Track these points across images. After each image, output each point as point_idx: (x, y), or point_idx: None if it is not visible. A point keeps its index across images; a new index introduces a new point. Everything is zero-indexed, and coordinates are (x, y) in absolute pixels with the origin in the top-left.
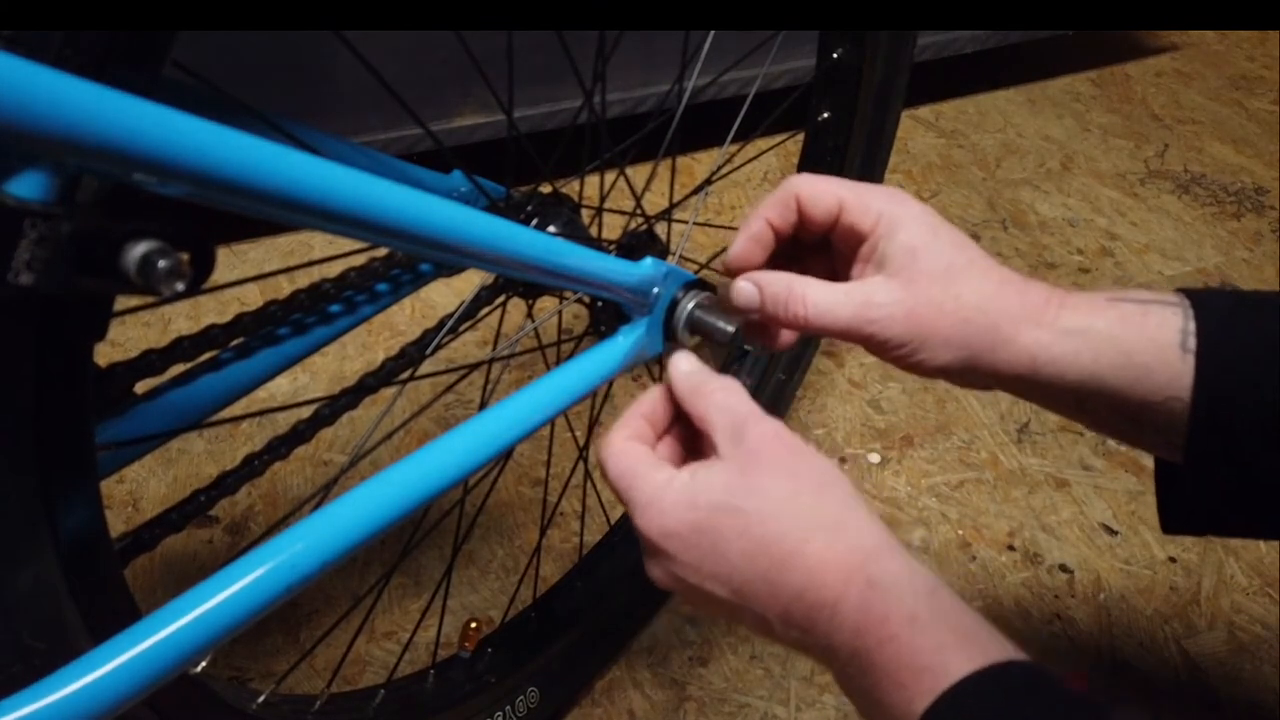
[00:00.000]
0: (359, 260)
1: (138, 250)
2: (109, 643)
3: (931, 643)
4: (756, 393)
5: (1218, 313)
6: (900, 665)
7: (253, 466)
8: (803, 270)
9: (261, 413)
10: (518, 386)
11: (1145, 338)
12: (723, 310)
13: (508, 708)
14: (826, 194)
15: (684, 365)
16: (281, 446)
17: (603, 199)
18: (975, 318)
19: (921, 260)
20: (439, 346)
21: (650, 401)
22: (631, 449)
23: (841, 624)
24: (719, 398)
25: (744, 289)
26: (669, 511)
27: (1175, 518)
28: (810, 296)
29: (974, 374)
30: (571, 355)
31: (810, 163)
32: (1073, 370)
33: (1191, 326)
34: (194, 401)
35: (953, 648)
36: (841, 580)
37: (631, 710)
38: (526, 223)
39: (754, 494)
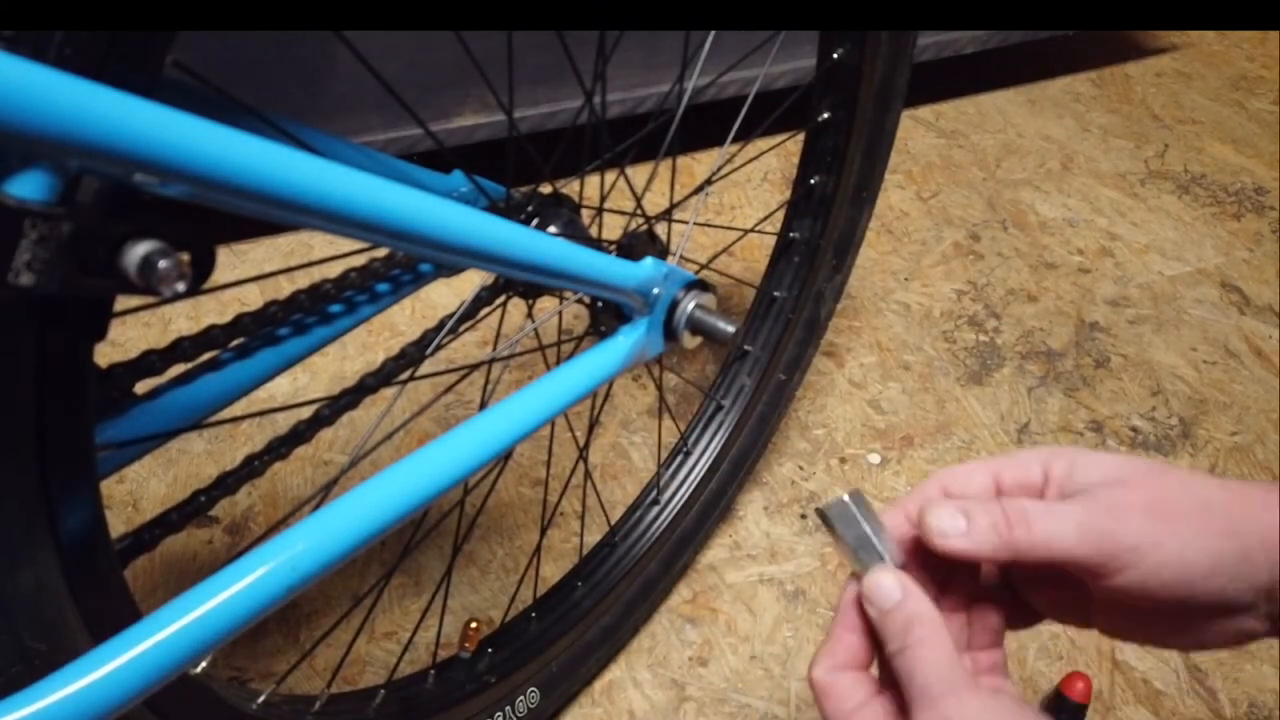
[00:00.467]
0: (359, 260)
1: (138, 251)
2: (109, 643)
3: None
4: (756, 393)
5: None
6: None
7: (253, 467)
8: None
9: (262, 413)
10: (518, 387)
11: None
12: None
13: (508, 708)
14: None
15: (882, 593)
16: (282, 447)
17: (603, 199)
18: (1216, 496)
19: (1126, 472)
20: (439, 347)
21: (858, 614)
22: (836, 690)
23: None
24: (919, 654)
25: (945, 513)
26: None
27: None
28: (1028, 511)
29: (1238, 583)
30: (571, 355)
31: (810, 163)
32: None
33: None
34: (194, 402)
35: None
36: None
37: (631, 710)
38: (527, 223)
39: None
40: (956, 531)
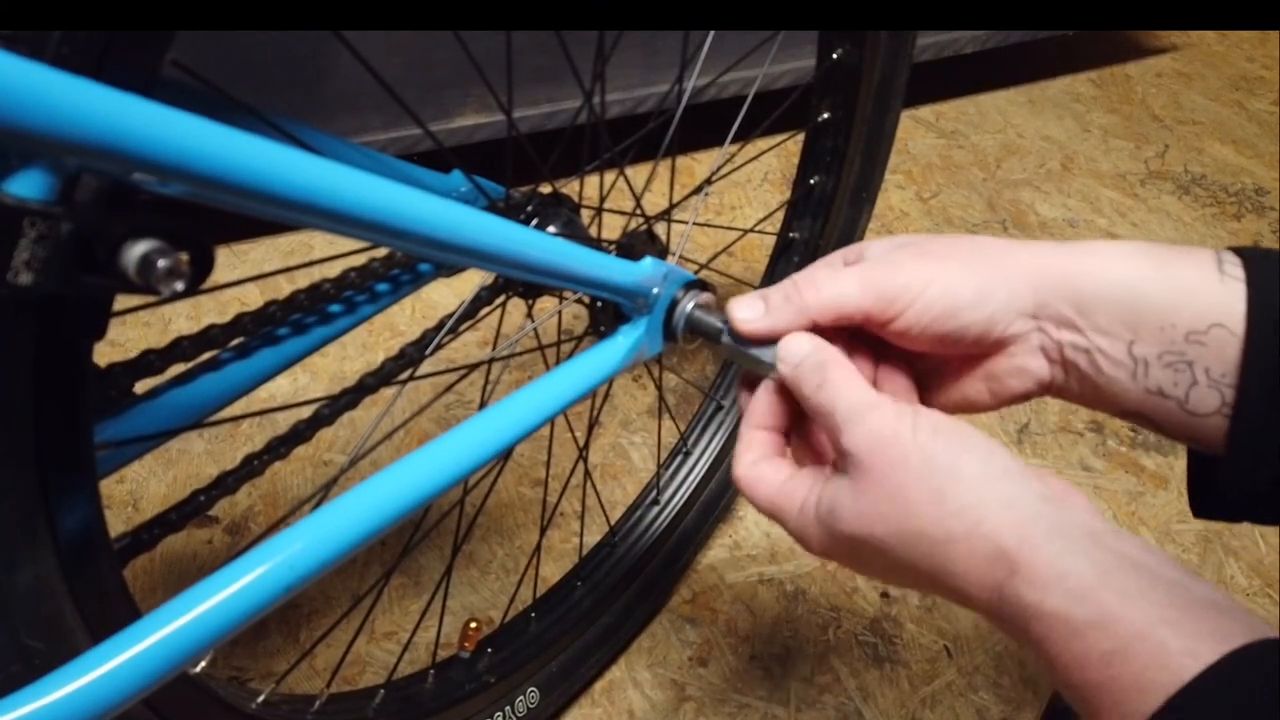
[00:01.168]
0: (359, 260)
1: (137, 250)
2: (108, 642)
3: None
4: None
5: (1259, 254)
6: (1072, 683)
7: (252, 466)
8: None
9: (261, 413)
10: (517, 386)
11: (1180, 256)
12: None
13: (507, 708)
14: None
15: (796, 346)
16: (281, 446)
17: (602, 199)
18: (989, 242)
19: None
20: (439, 346)
21: (763, 409)
22: (761, 478)
23: (1011, 623)
24: (837, 384)
25: (745, 301)
26: (815, 541)
27: (1211, 496)
28: (816, 278)
29: (1016, 331)
30: (571, 355)
31: (810, 163)
32: (1113, 282)
33: (1228, 257)
34: (194, 401)
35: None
36: (993, 595)
37: (631, 710)
38: (526, 223)
39: (876, 523)
40: (756, 314)
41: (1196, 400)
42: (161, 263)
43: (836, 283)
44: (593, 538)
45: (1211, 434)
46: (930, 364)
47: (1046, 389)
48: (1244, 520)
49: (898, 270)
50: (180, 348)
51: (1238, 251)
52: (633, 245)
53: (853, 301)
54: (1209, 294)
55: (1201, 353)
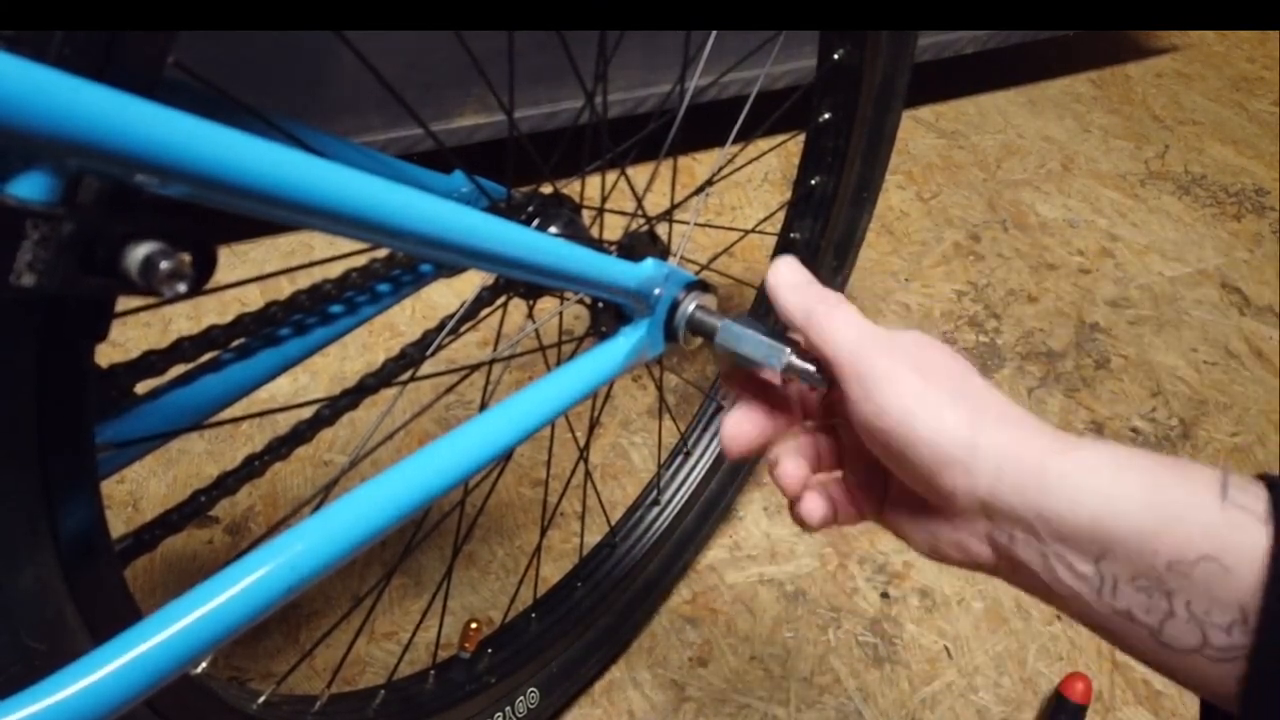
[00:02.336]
0: (360, 261)
1: (139, 251)
2: (109, 644)
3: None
4: None
5: None
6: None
7: (253, 467)
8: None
9: (262, 413)
10: (518, 387)
11: (1178, 476)
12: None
13: (507, 708)
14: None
15: (786, 269)
16: (282, 447)
17: (604, 199)
18: (987, 397)
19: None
20: (440, 347)
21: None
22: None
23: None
24: (837, 315)
25: (789, 263)
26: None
27: None
28: (840, 306)
29: (971, 470)
30: (572, 356)
31: (811, 164)
32: (1090, 497)
33: (1230, 479)
34: (194, 402)
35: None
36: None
37: (631, 711)
38: (527, 223)
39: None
40: (794, 280)
41: (1171, 634)
42: (163, 264)
43: (847, 322)
44: (593, 538)
45: (1186, 673)
46: (894, 481)
47: (992, 572)
48: None
49: (886, 363)
50: (181, 348)
51: (1266, 480)
52: (634, 246)
53: (840, 352)
54: (1201, 520)
55: (1184, 585)
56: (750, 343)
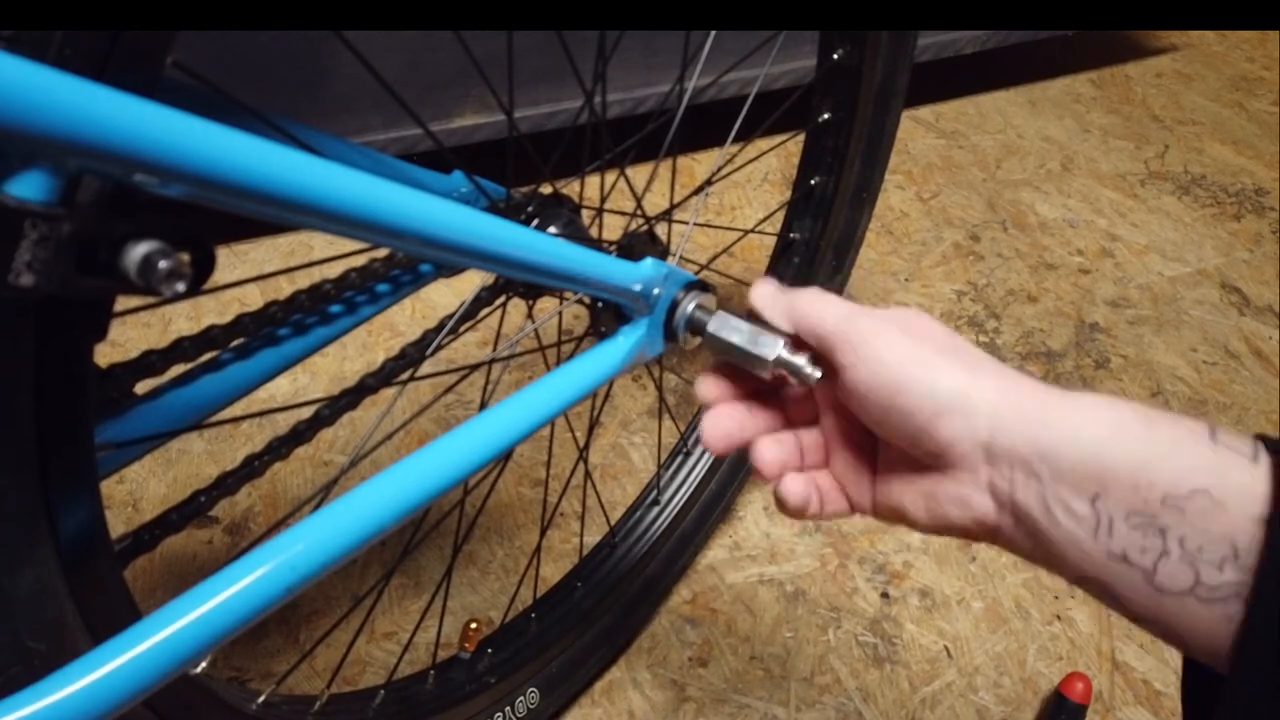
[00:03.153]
0: (359, 261)
1: (138, 251)
2: (109, 644)
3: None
4: None
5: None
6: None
7: (253, 467)
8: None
9: (262, 413)
10: (518, 387)
11: (1170, 420)
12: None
13: (507, 708)
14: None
15: (764, 292)
16: (282, 447)
17: (603, 199)
18: (978, 355)
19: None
20: (439, 347)
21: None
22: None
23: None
24: (818, 300)
25: (763, 285)
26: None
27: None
28: (809, 292)
29: (971, 417)
30: (572, 356)
31: (810, 164)
32: (1090, 428)
33: (1220, 428)
34: (194, 402)
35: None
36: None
37: (631, 711)
38: (527, 223)
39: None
40: (772, 289)
41: (1165, 574)
42: (163, 264)
43: (824, 301)
44: (593, 538)
45: (1177, 619)
46: (886, 455)
47: (991, 534)
48: None
49: (874, 324)
50: (181, 348)
51: (1264, 440)
52: (633, 246)
53: (826, 324)
54: (1193, 455)
55: (1177, 520)
56: (742, 333)
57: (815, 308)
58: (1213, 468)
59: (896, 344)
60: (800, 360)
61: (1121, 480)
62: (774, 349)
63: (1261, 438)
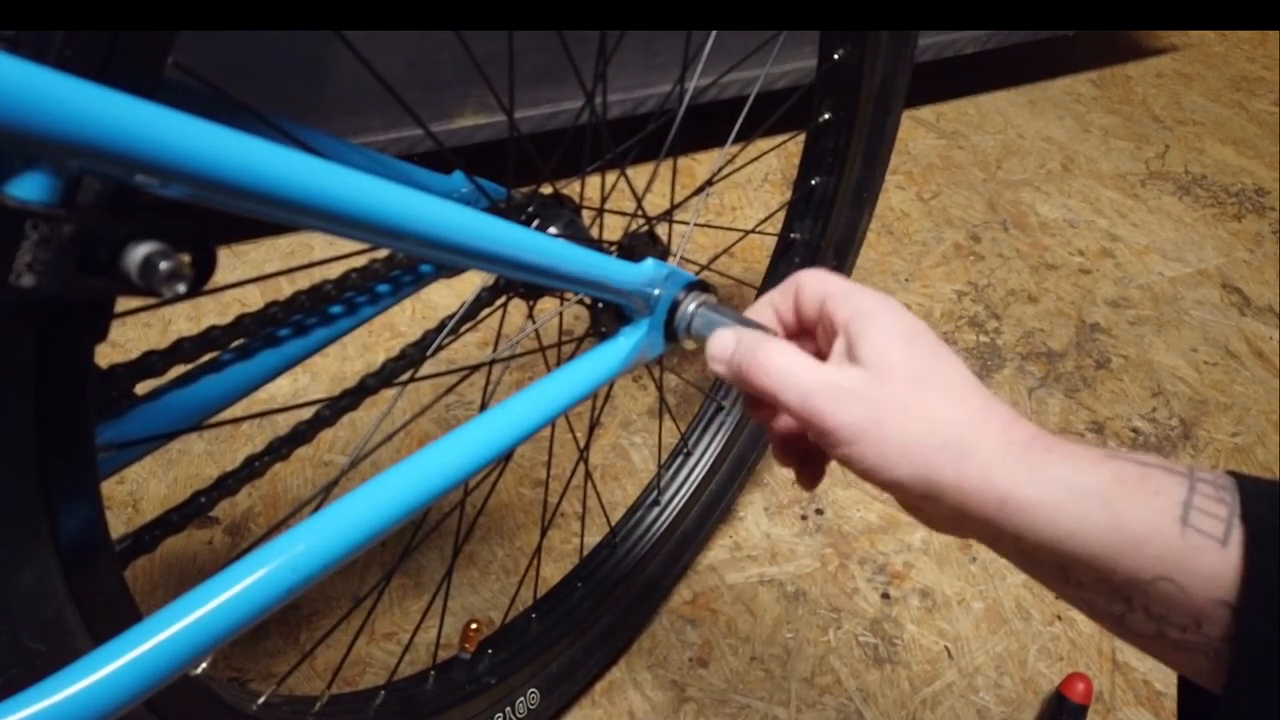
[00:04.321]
0: (360, 261)
1: (139, 252)
2: (109, 644)
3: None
4: None
5: (1264, 494)
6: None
7: (253, 468)
8: None
9: (262, 414)
10: (518, 388)
11: (1140, 504)
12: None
13: (508, 709)
14: (817, 283)
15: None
16: (282, 447)
17: (604, 200)
18: (944, 432)
19: (893, 360)
20: (440, 348)
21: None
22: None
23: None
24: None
25: (722, 336)
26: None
27: None
28: (775, 356)
29: (935, 502)
30: (572, 356)
31: (811, 164)
32: (1049, 527)
33: (1195, 500)
34: (194, 403)
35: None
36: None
37: (631, 711)
38: (527, 224)
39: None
40: (725, 351)
41: (1131, 624)
42: (163, 265)
43: (794, 361)
44: (593, 538)
45: (1154, 651)
46: None
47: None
48: None
49: (844, 408)
50: (181, 349)
51: (1239, 485)
52: (634, 246)
53: (795, 398)
54: (1160, 548)
55: (1141, 596)
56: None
57: (774, 379)
58: (1179, 559)
59: (864, 443)
60: None
61: (1086, 568)
62: None
63: (1241, 487)
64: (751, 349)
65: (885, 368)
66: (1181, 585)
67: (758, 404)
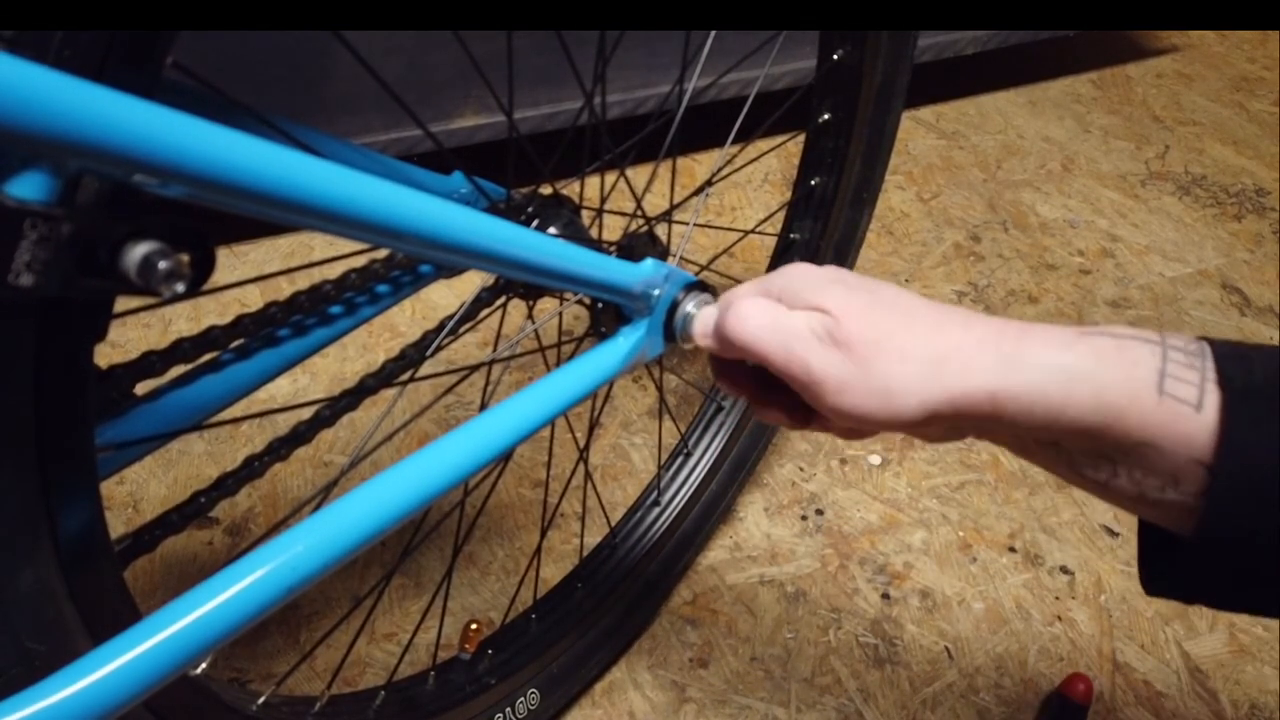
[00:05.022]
0: (359, 262)
1: (138, 251)
2: (109, 644)
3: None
4: None
5: (1239, 358)
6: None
7: (253, 468)
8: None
9: (262, 414)
10: (518, 388)
11: (1120, 375)
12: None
13: (508, 709)
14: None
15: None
16: (282, 448)
17: (603, 200)
18: (919, 353)
19: (837, 302)
20: (439, 348)
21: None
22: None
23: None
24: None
25: (706, 311)
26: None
27: (1163, 580)
28: (751, 306)
29: (936, 421)
30: (572, 357)
31: (811, 164)
32: (1040, 408)
33: (1169, 368)
34: (194, 403)
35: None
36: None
37: (632, 712)
38: (527, 224)
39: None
40: (706, 324)
41: (1116, 486)
42: (162, 264)
43: (767, 312)
44: (593, 539)
45: (1131, 505)
46: None
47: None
48: (1199, 604)
49: (814, 359)
50: (181, 349)
51: (1213, 349)
52: (633, 246)
53: (766, 357)
54: (1139, 415)
55: (1125, 459)
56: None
57: (744, 334)
58: (1158, 426)
59: (846, 389)
60: None
61: (1075, 435)
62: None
63: (1215, 352)
64: (727, 304)
65: (840, 313)
66: (1161, 449)
67: (727, 366)
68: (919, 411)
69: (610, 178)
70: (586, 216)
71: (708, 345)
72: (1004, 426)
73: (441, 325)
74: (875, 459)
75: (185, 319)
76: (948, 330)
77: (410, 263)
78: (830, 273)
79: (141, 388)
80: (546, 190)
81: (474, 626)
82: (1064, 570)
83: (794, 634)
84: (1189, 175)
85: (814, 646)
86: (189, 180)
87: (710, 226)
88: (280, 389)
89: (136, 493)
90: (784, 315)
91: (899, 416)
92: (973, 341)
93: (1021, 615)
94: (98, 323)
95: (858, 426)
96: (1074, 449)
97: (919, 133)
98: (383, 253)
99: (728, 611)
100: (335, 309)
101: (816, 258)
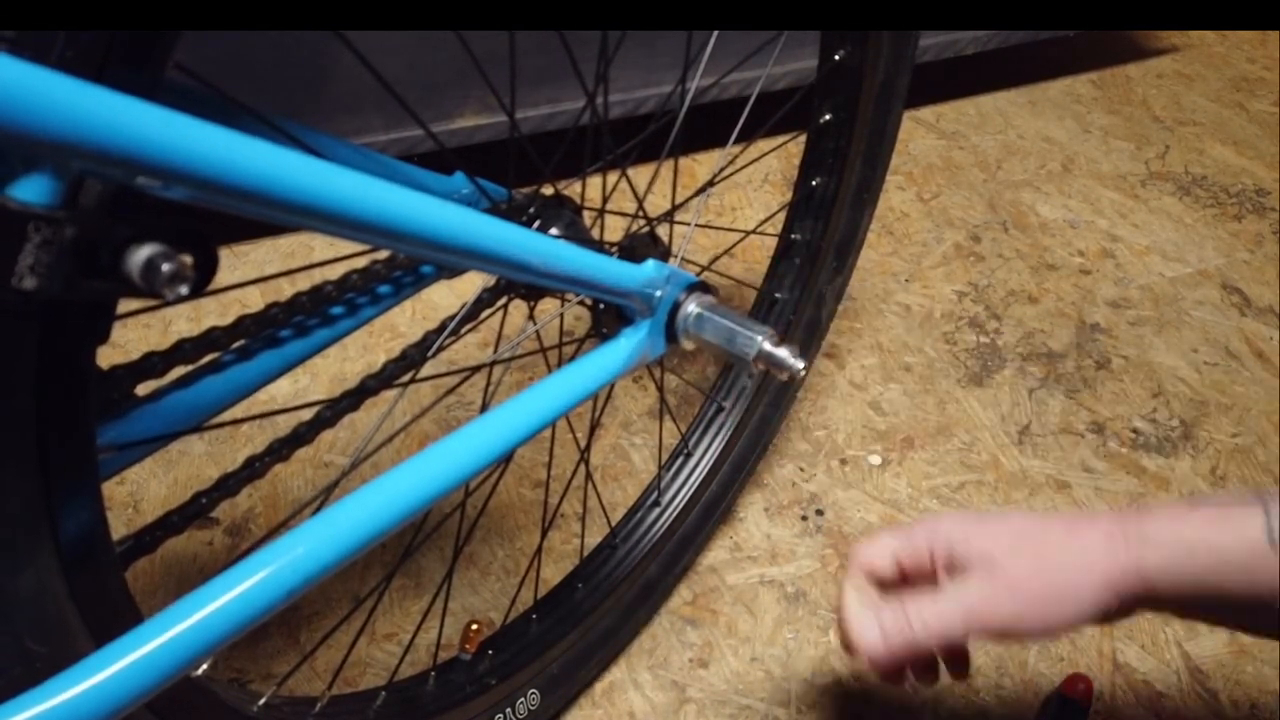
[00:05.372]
0: (360, 262)
1: (141, 254)
2: (110, 646)
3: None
4: (757, 394)
5: None
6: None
7: (254, 469)
8: None
9: (263, 415)
10: (519, 389)
11: (1233, 537)
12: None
13: (508, 709)
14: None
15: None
16: (282, 448)
17: (605, 201)
18: (1066, 562)
19: (986, 545)
20: (440, 348)
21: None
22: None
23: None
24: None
25: (863, 627)
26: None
27: None
28: (940, 608)
29: (1111, 612)
30: (573, 358)
31: (811, 165)
32: (1185, 577)
33: (1273, 522)
34: (195, 404)
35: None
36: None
37: (632, 712)
38: (528, 225)
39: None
40: (874, 647)
41: (1258, 625)
42: (166, 267)
43: (942, 620)
44: (594, 539)
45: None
46: None
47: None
48: None
49: (994, 607)
50: (182, 350)
51: None
52: (635, 247)
53: (959, 636)
54: (1262, 570)
55: (1262, 606)
56: (719, 330)
57: (941, 630)
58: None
59: (1025, 616)
60: (783, 353)
61: (1212, 599)
62: (754, 345)
63: None
64: (917, 622)
65: (990, 558)
66: None
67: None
68: (1083, 614)
69: (612, 178)
70: (588, 217)
71: (879, 660)
72: (1163, 599)
73: (443, 326)
74: (875, 459)
75: (186, 320)
76: (1081, 534)
77: (411, 263)
78: (973, 521)
79: (143, 389)
80: (548, 191)
81: (474, 627)
82: None
83: (794, 634)
84: (1189, 175)
85: (814, 647)
86: (191, 182)
87: (711, 227)
88: (281, 389)
89: (137, 493)
90: (959, 600)
91: (1068, 623)
92: (1104, 539)
93: None
94: (100, 325)
95: (1043, 639)
96: (1215, 607)
97: (919, 133)
98: (383, 253)
99: (728, 612)
100: (336, 309)
101: (817, 258)
